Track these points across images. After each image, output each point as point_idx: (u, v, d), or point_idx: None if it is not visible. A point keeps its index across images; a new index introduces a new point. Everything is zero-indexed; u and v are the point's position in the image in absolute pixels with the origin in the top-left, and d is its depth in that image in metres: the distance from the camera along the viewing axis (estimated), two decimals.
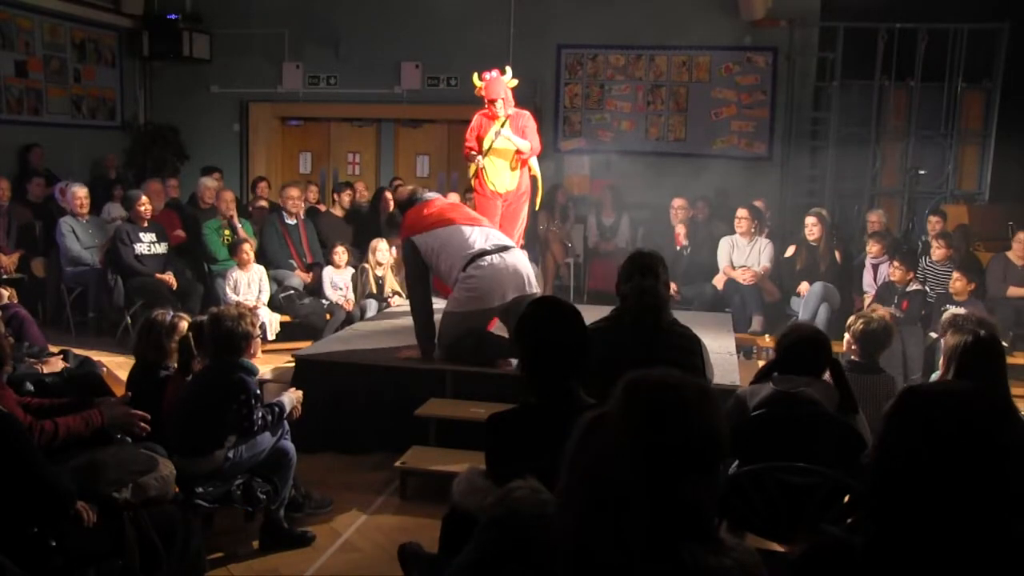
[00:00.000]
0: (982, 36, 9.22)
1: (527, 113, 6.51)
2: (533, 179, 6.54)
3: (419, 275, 5.47)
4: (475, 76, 6.46)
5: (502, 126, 6.27)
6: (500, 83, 6.35)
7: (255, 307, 7.33)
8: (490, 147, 6.27)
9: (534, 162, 6.49)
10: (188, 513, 3.46)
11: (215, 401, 3.79)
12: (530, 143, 6.30)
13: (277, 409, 3.97)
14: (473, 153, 6.36)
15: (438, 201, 5.64)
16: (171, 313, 4.20)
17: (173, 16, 10.87)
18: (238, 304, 4.22)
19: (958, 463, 1.47)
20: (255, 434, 3.85)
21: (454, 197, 5.98)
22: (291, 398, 4.10)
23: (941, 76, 9.38)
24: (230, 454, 3.80)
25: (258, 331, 4.05)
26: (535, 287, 5.37)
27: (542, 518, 1.59)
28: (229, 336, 3.80)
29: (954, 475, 1.47)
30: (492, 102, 6.27)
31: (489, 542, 1.62)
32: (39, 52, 9.96)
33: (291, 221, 8.27)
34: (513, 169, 6.34)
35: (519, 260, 5.35)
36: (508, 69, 6.43)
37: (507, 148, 6.27)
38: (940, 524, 1.48)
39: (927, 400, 1.59)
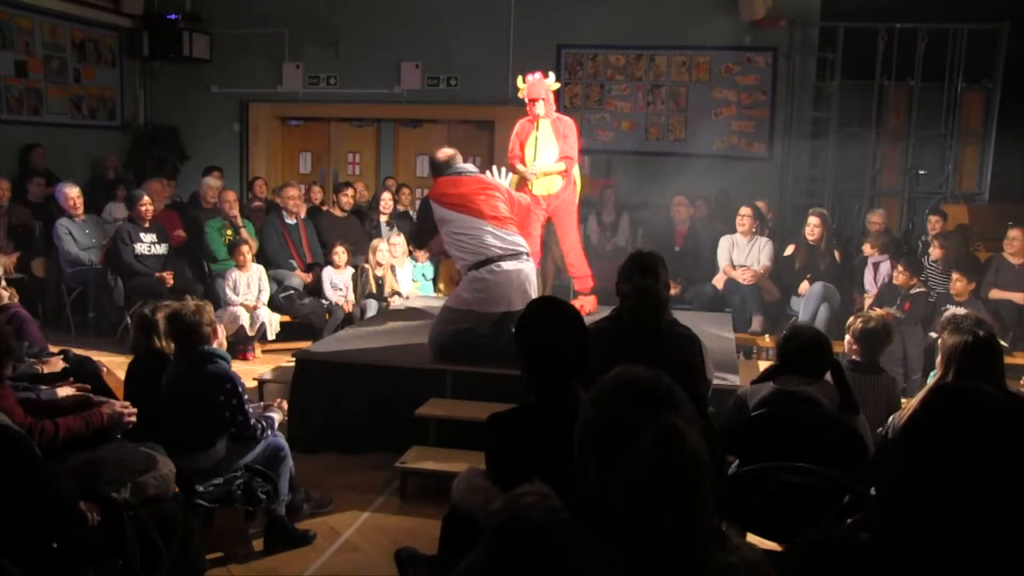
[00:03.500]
0: (982, 36, 9.22)
1: (568, 120, 6.54)
2: (574, 181, 6.58)
3: (428, 231, 5.60)
4: (519, 79, 6.53)
5: (538, 177, 6.35)
6: (541, 84, 6.42)
7: (255, 307, 7.35)
8: (535, 177, 6.36)
9: (575, 170, 6.56)
10: (188, 513, 3.46)
11: (200, 395, 3.79)
12: (567, 159, 6.35)
13: (267, 421, 4.01)
14: (517, 165, 6.43)
15: (474, 183, 5.45)
16: (161, 304, 4.23)
17: (173, 16, 10.87)
18: (191, 297, 4.26)
19: (981, 463, 1.47)
20: (258, 440, 3.89)
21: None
22: (280, 415, 4.16)
23: (941, 76, 9.38)
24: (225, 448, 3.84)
25: (214, 318, 4.08)
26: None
27: (552, 525, 1.58)
28: (192, 329, 3.83)
29: (975, 474, 1.47)
30: (533, 102, 6.36)
31: (498, 550, 1.61)
32: (39, 52, 9.96)
33: (291, 221, 8.27)
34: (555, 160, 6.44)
35: (528, 270, 5.33)
36: (551, 74, 6.51)
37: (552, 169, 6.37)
38: (956, 522, 1.48)
39: (954, 400, 1.59)
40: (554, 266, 9.28)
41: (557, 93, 6.66)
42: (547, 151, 6.40)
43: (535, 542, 1.55)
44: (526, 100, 6.43)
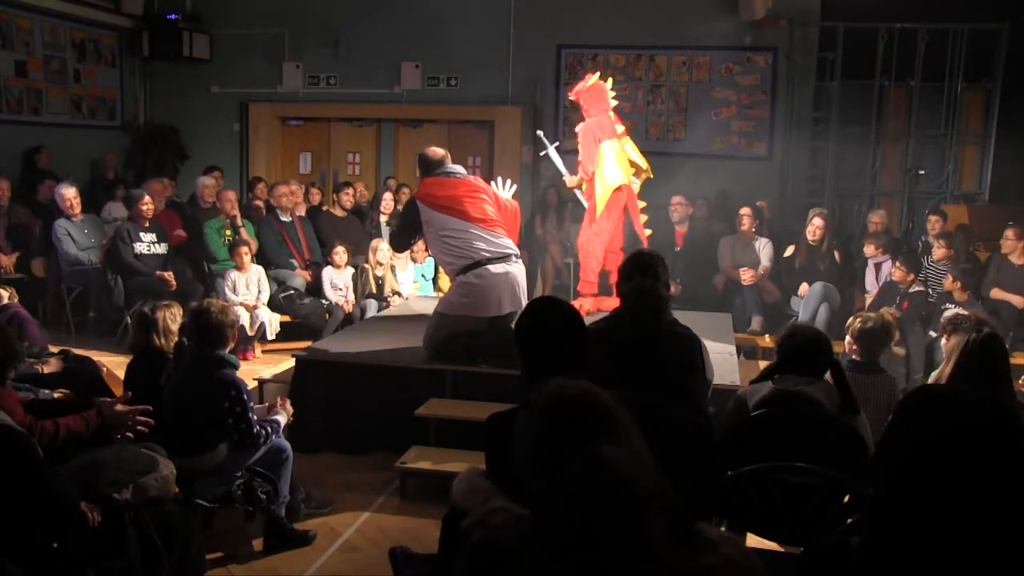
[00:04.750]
0: (982, 36, 9.22)
1: (590, 125, 6.53)
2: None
3: (412, 232, 5.55)
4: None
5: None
6: (578, 86, 6.59)
7: (255, 307, 7.35)
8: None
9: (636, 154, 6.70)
10: (189, 514, 3.46)
11: (205, 399, 3.78)
12: (580, 165, 6.53)
13: (272, 425, 3.99)
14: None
15: (462, 185, 5.39)
16: (160, 303, 4.22)
17: (173, 16, 10.87)
18: (215, 297, 4.26)
19: (959, 466, 1.47)
20: (260, 446, 3.87)
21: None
22: (286, 417, 4.13)
23: (941, 76, 9.38)
24: (226, 451, 3.83)
25: (236, 323, 4.07)
26: (524, 302, 5.27)
27: (519, 548, 1.56)
28: (211, 329, 3.81)
29: (955, 478, 1.47)
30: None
31: (473, 569, 1.60)
32: (39, 52, 9.96)
33: (286, 219, 8.28)
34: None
35: (517, 272, 5.32)
36: (598, 73, 6.75)
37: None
38: (939, 526, 1.48)
39: (929, 403, 1.59)
40: (553, 266, 9.29)
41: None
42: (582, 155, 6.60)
43: (504, 565, 1.54)
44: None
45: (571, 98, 6.66)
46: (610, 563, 1.46)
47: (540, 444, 1.67)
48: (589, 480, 1.49)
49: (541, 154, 6.96)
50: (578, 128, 6.66)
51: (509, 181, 5.87)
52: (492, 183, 5.74)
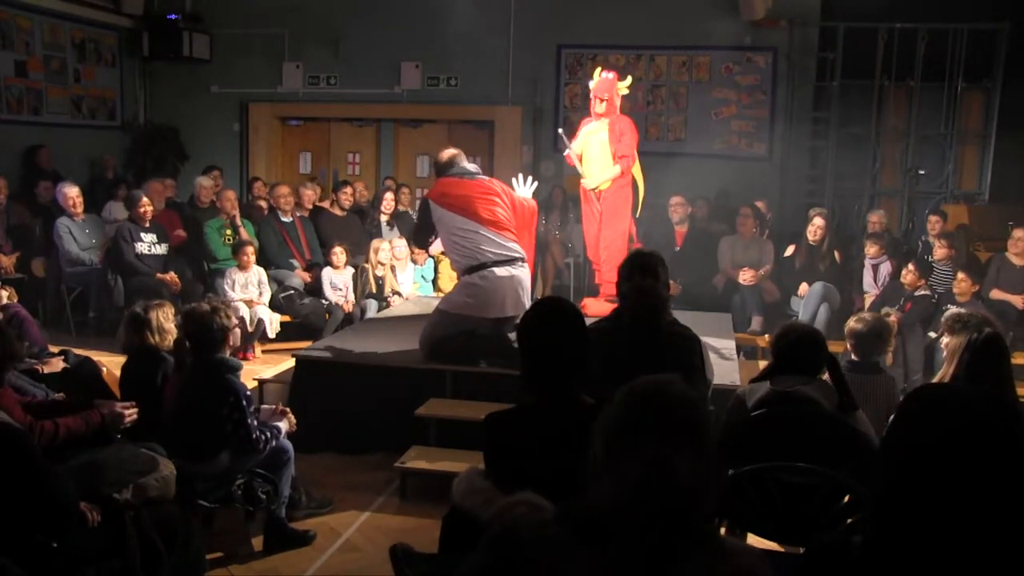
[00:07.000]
0: (982, 36, 9.22)
1: (627, 119, 6.70)
2: (635, 185, 6.70)
3: (427, 230, 5.59)
4: (597, 71, 6.78)
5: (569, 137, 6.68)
6: (606, 83, 6.62)
7: (255, 304, 7.33)
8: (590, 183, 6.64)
9: (636, 169, 6.69)
10: (188, 513, 3.45)
11: (206, 406, 3.77)
12: (623, 158, 6.51)
13: (273, 431, 3.97)
14: (582, 181, 6.74)
15: (475, 186, 5.41)
16: (152, 302, 4.21)
17: (173, 16, 10.87)
18: (211, 298, 4.22)
19: (961, 465, 1.47)
20: (260, 452, 3.85)
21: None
22: (288, 425, 4.12)
23: (941, 76, 9.39)
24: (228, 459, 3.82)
25: (235, 322, 4.03)
26: (527, 305, 5.30)
27: (540, 541, 1.56)
28: (205, 333, 3.80)
29: (957, 477, 1.47)
30: (595, 98, 6.59)
31: (491, 563, 1.60)
32: (39, 52, 9.96)
33: (287, 219, 8.28)
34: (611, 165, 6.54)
35: (522, 275, 5.33)
36: (629, 78, 6.81)
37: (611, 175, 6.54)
38: (941, 525, 1.48)
39: (932, 402, 1.59)
40: (554, 266, 9.29)
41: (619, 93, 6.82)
42: (601, 150, 6.54)
43: (525, 558, 1.54)
44: (591, 96, 6.66)
45: (601, 96, 6.60)
46: (639, 563, 1.45)
47: (614, 428, 1.63)
48: (644, 486, 1.46)
49: (565, 153, 6.96)
50: (624, 118, 6.73)
51: (531, 179, 5.86)
52: (513, 180, 5.76)
